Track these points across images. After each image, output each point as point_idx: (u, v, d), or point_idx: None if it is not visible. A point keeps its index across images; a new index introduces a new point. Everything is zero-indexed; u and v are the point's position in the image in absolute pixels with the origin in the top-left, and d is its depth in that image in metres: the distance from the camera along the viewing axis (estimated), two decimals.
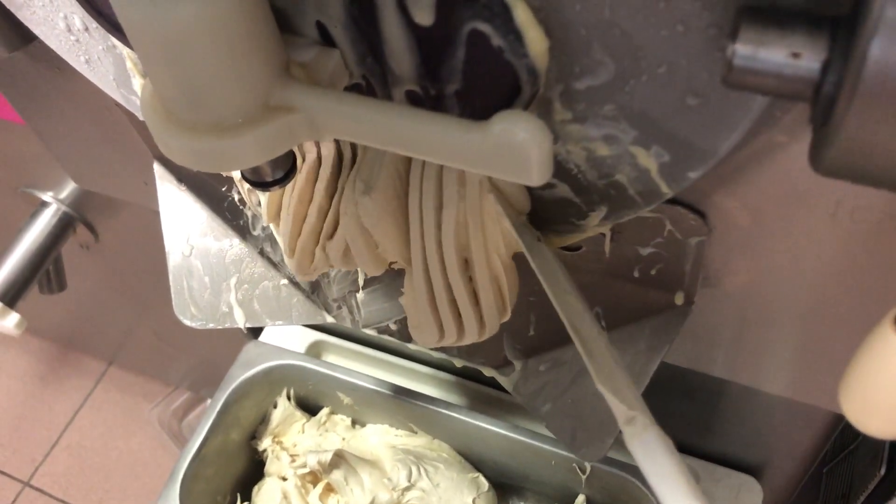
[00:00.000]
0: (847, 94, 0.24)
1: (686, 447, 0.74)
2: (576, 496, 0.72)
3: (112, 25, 0.38)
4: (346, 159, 0.44)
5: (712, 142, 0.32)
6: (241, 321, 0.60)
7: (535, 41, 0.31)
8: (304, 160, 0.44)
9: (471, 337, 0.47)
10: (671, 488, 0.34)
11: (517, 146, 0.28)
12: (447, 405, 0.73)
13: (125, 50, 0.43)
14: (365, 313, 0.58)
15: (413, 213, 0.43)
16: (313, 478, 0.76)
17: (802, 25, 0.25)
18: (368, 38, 0.33)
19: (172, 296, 0.60)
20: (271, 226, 0.49)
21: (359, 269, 0.55)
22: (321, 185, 0.45)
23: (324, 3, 0.33)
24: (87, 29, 0.43)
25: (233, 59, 0.30)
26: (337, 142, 0.43)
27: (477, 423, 0.72)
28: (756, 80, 0.26)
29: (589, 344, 0.38)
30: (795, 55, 0.25)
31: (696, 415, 0.70)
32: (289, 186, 0.46)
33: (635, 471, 0.68)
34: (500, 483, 0.76)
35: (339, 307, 0.59)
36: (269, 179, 0.38)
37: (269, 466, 0.78)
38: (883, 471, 0.81)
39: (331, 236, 0.47)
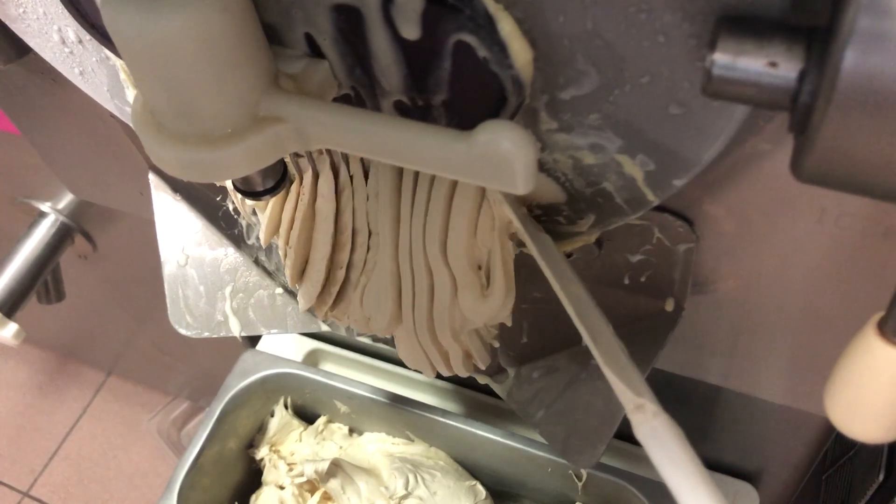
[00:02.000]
0: (823, 103, 0.24)
1: None
2: (572, 503, 0.73)
3: (105, 37, 0.39)
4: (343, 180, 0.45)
5: (696, 150, 0.33)
6: (236, 330, 0.60)
7: (520, 52, 0.32)
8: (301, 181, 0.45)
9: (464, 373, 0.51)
10: (683, 476, 0.33)
11: (502, 155, 0.29)
12: (444, 413, 0.73)
13: (118, 61, 0.43)
14: None
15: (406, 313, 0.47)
16: (311, 486, 0.76)
17: (780, 36, 0.26)
18: (356, 51, 0.34)
19: (168, 305, 0.61)
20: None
21: None
22: (326, 230, 0.46)
23: (312, 16, 0.33)
24: (80, 41, 0.43)
25: (221, 70, 0.31)
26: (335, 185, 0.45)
27: (473, 430, 0.72)
28: (735, 90, 0.26)
29: (594, 330, 0.38)
30: (772, 65, 0.26)
31: (691, 421, 0.70)
32: (286, 214, 0.47)
33: (631, 477, 0.68)
34: (496, 490, 0.76)
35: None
36: (260, 189, 0.38)
37: (267, 475, 0.78)
38: (881, 477, 0.81)
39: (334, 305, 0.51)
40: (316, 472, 0.73)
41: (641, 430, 0.35)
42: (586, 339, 0.38)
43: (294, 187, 0.46)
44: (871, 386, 0.30)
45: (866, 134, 0.24)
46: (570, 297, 0.39)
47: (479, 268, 0.44)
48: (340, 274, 0.48)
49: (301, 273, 0.49)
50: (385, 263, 0.45)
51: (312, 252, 0.48)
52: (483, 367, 0.51)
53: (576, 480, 0.70)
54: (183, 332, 0.60)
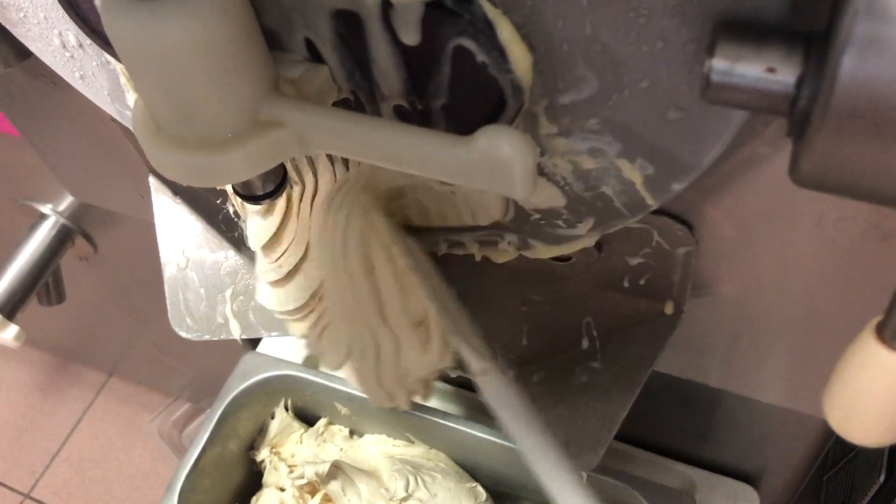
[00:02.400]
0: (820, 109, 0.24)
1: (682, 455, 0.74)
2: None
3: (105, 42, 0.39)
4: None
5: (695, 154, 0.33)
6: (236, 332, 0.60)
7: (519, 57, 0.32)
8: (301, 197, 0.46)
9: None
10: (525, 428, 0.39)
11: (501, 160, 0.29)
12: (444, 415, 0.73)
13: (119, 66, 0.44)
14: None
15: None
16: (311, 488, 0.76)
17: (778, 41, 0.26)
18: (356, 56, 0.34)
19: (168, 307, 0.61)
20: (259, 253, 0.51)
21: None
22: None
23: (312, 22, 0.33)
24: (81, 45, 0.43)
25: (221, 75, 0.31)
26: None
27: (474, 432, 0.72)
28: (733, 95, 0.27)
29: (444, 303, 0.42)
30: (771, 70, 0.26)
31: (692, 423, 0.70)
32: (286, 234, 0.48)
33: (632, 480, 0.68)
34: (497, 492, 0.76)
35: None
36: (260, 193, 0.38)
37: (268, 477, 0.78)
38: (882, 478, 0.82)
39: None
40: (316, 474, 0.73)
41: (487, 391, 0.40)
42: (436, 309, 0.42)
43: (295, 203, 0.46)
44: (869, 390, 0.30)
45: (864, 139, 0.24)
46: (422, 274, 0.43)
47: (420, 323, 0.46)
48: (315, 304, 0.49)
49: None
50: (341, 316, 0.48)
51: (300, 278, 0.49)
52: (426, 402, 0.57)
53: None
54: (183, 334, 0.61)
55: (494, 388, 0.39)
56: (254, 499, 0.78)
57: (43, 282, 0.92)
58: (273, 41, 0.35)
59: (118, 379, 1.55)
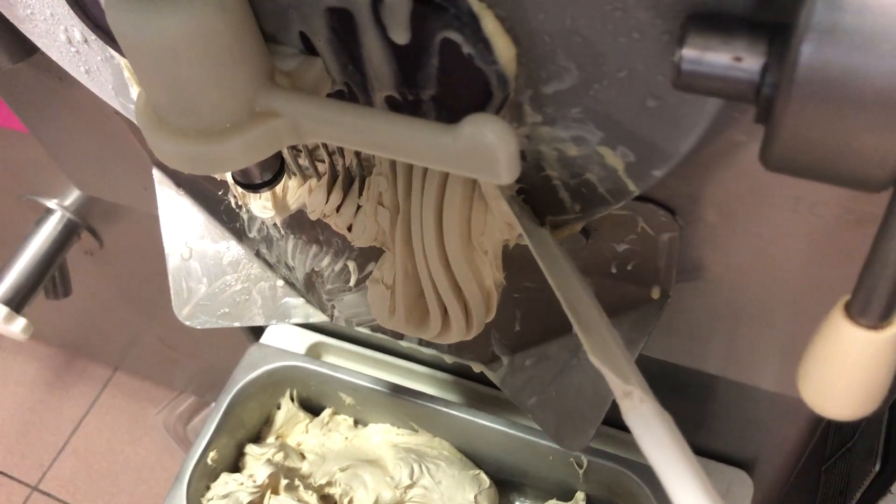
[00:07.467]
0: (783, 95, 0.25)
1: None
2: (574, 491, 0.74)
3: (110, 37, 0.40)
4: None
5: (673, 141, 0.34)
6: (238, 321, 0.62)
7: (504, 49, 0.33)
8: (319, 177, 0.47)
9: (458, 333, 0.49)
10: (669, 460, 0.35)
11: (486, 147, 0.30)
12: (447, 403, 0.74)
13: (122, 60, 0.45)
14: (357, 312, 0.59)
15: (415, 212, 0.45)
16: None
17: (744, 32, 0.27)
18: (349, 49, 0.35)
19: (172, 297, 0.62)
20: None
21: (350, 270, 0.57)
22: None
23: (307, 17, 0.35)
24: (86, 41, 0.45)
25: (220, 68, 0.32)
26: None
27: (477, 420, 0.73)
28: (703, 83, 0.28)
29: (585, 320, 0.39)
30: (737, 59, 0.27)
31: (685, 409, 0.71)
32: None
33: (631, 465, 0.69)
34: (500, 479, 0.77)
35: (334, 306, 0.60)
36: (259, 182, 0.40)
37: None
38: (877, 467, 0.82)
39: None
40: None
41: (630, 416, 0.36)
42: (576, 328, 0.39)
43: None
44: (839, 365, 0.32)
45: (824, 123, 0.25)
46: (562, 288, 0.40)
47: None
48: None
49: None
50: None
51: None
52: None
53: (577, 468, 0.71)
54: (187, 323, 0.62)
55: (638, 414, 0.36)
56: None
57: (49, 276, 0.93)
58: (269, 35, 0.36)
59: (124, 373, 1.57)
